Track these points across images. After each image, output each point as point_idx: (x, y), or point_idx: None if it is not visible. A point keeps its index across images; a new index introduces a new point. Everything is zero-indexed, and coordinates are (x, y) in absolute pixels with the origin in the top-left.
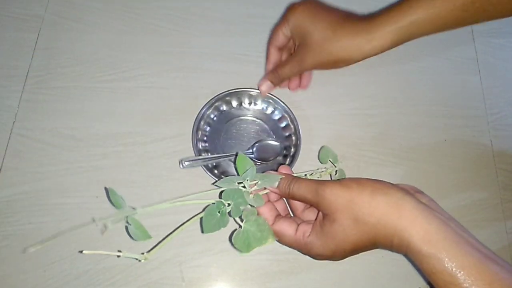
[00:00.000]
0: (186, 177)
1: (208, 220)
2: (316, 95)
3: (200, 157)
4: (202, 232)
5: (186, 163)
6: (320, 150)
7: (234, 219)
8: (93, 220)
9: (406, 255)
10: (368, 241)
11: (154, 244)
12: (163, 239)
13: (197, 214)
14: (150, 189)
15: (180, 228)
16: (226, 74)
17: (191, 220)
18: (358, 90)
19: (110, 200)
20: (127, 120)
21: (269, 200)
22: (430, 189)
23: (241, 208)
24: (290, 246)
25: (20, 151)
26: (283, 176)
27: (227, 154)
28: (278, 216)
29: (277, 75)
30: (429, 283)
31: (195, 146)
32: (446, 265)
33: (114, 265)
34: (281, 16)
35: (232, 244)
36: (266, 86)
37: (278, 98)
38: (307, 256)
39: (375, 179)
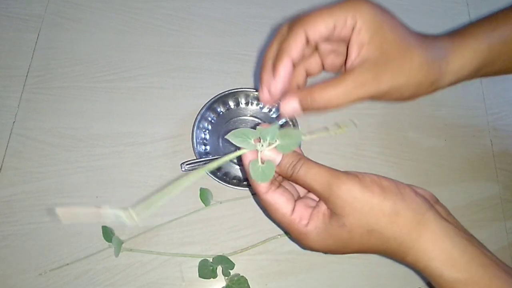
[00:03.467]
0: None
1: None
2: None
3: (201, 159)
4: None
5: (187, 166)
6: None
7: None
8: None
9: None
10: (373, 251)
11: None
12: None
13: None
14: (150, 189)
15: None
16: (226, 74)
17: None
18: None
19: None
20: (127, 120)
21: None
22: (430, 189)
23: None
24: (279, 223)
25: (20, 151)
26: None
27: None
28: (274, 183)
29: (316, 100)
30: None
31: (195, 147)
32: None
33: (114, 265)
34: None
35: None
36: (291, 107)
37: None
38: (306, 252)
39: (396, 182)
